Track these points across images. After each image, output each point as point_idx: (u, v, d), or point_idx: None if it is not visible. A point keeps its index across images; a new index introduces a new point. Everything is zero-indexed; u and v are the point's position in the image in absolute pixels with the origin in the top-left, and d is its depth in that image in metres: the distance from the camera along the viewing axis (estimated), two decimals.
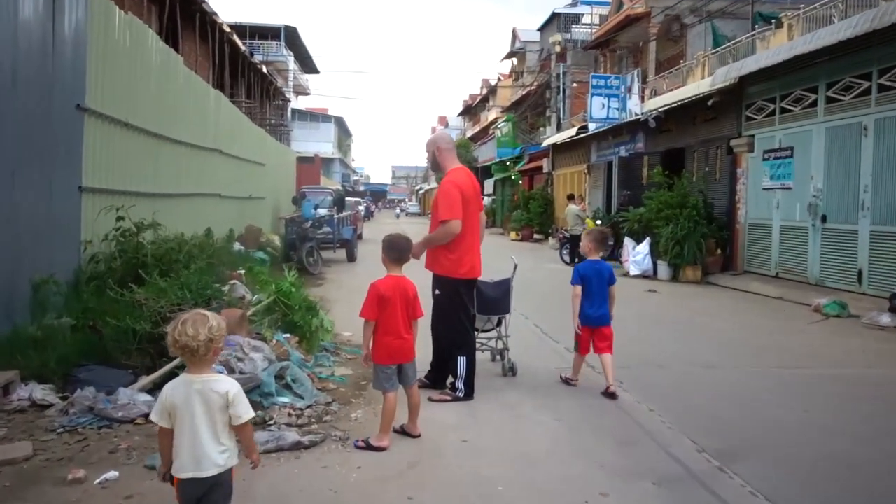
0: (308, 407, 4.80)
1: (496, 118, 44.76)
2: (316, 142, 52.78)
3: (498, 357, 6.40)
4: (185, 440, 2.59)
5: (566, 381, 5.80)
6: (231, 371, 4.71)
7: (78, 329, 5.85)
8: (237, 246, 13.43)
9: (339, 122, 63.75)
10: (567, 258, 17.16)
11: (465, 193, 5.16)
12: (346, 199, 22.85)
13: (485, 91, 57.53)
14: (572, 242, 16.97)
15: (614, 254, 16.91)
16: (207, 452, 2.59)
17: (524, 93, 37.40)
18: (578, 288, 5.65)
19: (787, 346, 7.63)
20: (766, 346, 7.62)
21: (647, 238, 14.68)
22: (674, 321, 9.28)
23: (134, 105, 8.37)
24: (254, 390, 4.78)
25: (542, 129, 33.87)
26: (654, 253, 14.50)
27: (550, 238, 25.18)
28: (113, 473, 3.68)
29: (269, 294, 5.98)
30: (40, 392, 5.02)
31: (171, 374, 4.88)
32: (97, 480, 3.61)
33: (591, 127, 21.22)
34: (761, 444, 4.40)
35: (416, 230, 29.67)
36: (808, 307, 10.15)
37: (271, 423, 4.49)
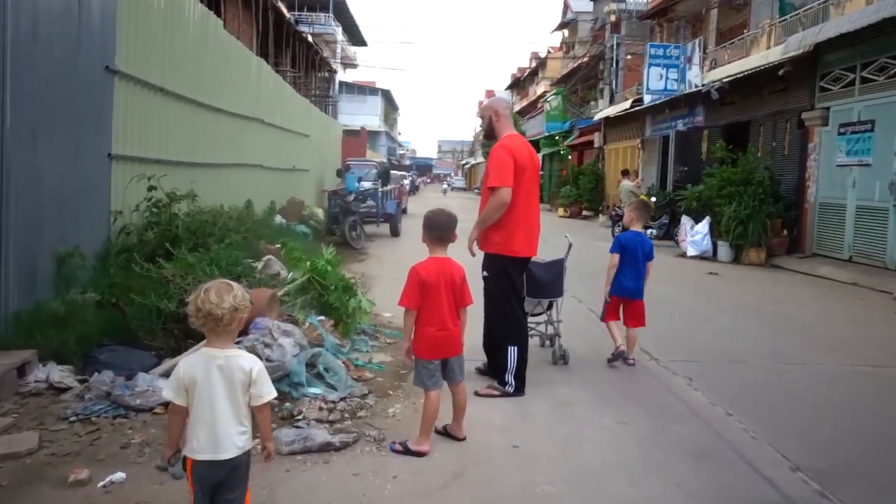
0: (341, 399, 4.34)
1: (545, 92, 43.62)
2: (363, 115, 52.52)
3: (548, 343, 5.99)
4: (204, 419, 2.40)
5: (615, 358, 5.46)
6: (258, 357, 4.25)
7: (103, 306, 5.52)
8: (278, 219, 13.09)
9: (386, 96, 63.30)
10: None
11: (520, 160, 4.62)
12: (391, 172, 22.42)
13: (534, 64, 56.23)
14: None
15: (670, 233, 16.09)
16: (228, 433, 2.41)
17: (575, 65, 36.21)
18: (616, 257, 5.68)
19: (875, 340, 6.85)
20: (851, 338, 6.86)
21: (707, 217, 13.83)
22: (741, 308, 8.54)
23: (169, 70, 7.96)
24: (282, 380, 4.34)
25: (592, 102, 32.76)
26: (714, 233, 13.65)
27: (601, 215, 24.33)
28: (120, 475, 3.27)
29: (304, 272, 5.50)
30: (58, 374, 4.68)
31: None
32: (101, 483, 3.20)
33: (647, 99, 20.19)
34: (866, 463, 3.75)
35: (461, 205, 29.15)
36: (889, 295, 9.28)
37: (300, 417, 4.04)
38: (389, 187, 17.94)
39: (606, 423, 4.20)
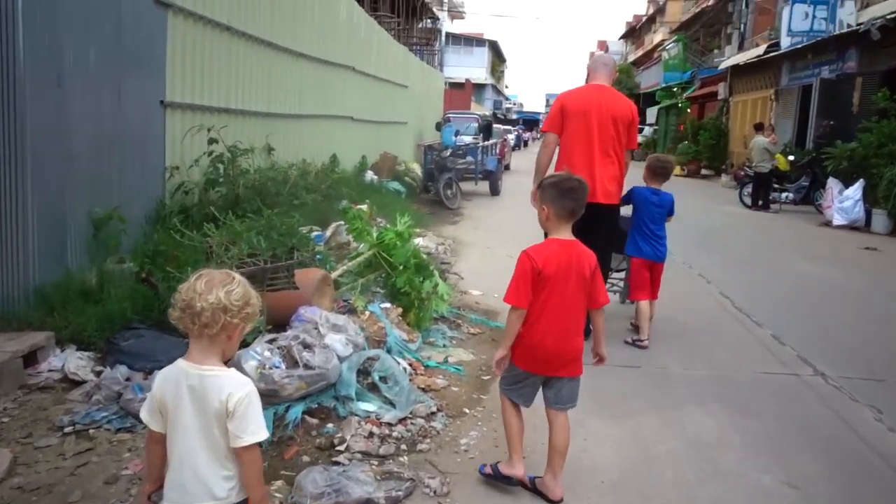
0: (400, 422, 3.31)
1: (663, 40, 40.50)
2: (469, 67, 51.17)
3: (628, 301, 5.25)
4: (174, 455, 1.84)
5: (635, 344, 4.67)
6: (294, 363, 3.29)
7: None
8: (369, 175, 12.21)
9: (494, 47, 61.32)
10: (748, 199, 14.48)
11: (570, 107, 4.66)
12: (494, 126, 21.12)
13: (651, 10, 52.49)
14: (756, 180, 14.26)
15: (810, 196, 14.02)
16: (200, 477, 1.81)
17: (698, 9, 33.12)
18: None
19: None
20: None
21: (860, 180, 11.76)
22: None
23: (238, 7, 7.06)
24: (326, 391, 3.36)
25: (717, 50, 29.87)
26: (868, 199, 11.61)
27: (723, 175, 22.07)
28: None
29: (370, 247, 4.48)
30: (75, 362, 3.91)
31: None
32: None
33: (786, 43, 17.73)
34: None
35: None
36: None
37: (342, 447, 3.04)
38: (491, 142, 16.73)
39: (767, 484, 2.95)
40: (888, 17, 13.21)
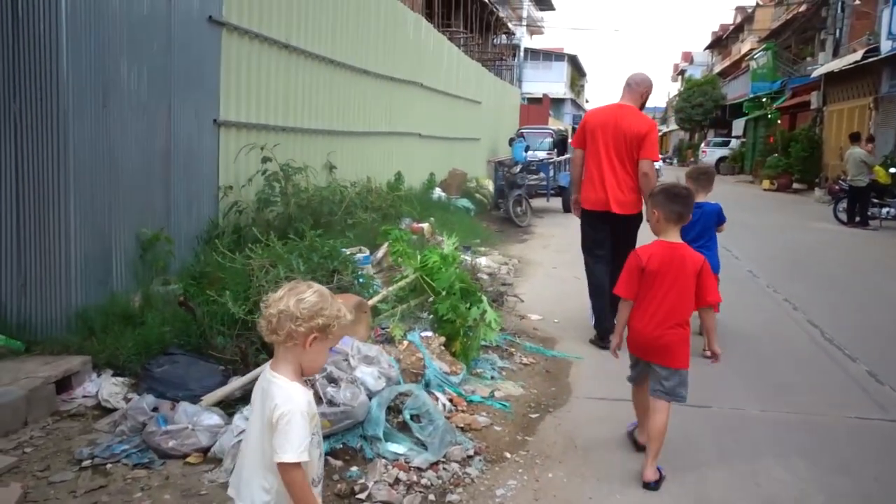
0: (430, 467, 3.00)
1: (751, 49, 38.85)
2: (547, 82, 50.60)
3: None
4: (242, 445, 2.00)
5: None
6: (318, 399, 3.04)
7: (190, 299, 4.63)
8: (437, 192, 12.01)
9: (573, 61, 60.54)
10: (843, 215, 13.44)
11: (589, 124, 5.16)
12: (570, 141, 20.61)
13: (739, 18, 50.57)
14: (853, 195, 13.22)
15: None
16: (249, 481, 1.87)
17: (789, 16, 31.55)
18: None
19: None
20: None
21: None
22: None
23: (298, 24, 7.00)
24: (352, 430, 3.09)
25: (809, 58, 28.30)
26: None
27: (816, 189, 20.73)
28: None
29: (414, 270, 4.21)
30: (109, 388, 3.83)
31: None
32: None
33: (886, 47, 16.52)
34: None
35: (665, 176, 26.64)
36: None
37: (362, 496, 2.76)
38: (564, 157, 16.26)
39: None
40: None
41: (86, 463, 3.08)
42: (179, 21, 5.09)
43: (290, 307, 1.80)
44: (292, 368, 1.85)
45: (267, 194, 5.98)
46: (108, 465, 3.07)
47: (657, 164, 21.68)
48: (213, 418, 3.35)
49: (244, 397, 3.48)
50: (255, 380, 3.68)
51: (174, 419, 3.33)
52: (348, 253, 4.89)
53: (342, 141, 8.40)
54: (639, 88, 5.16)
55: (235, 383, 3.68)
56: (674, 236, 3.13)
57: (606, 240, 5.08)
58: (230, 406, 3.56)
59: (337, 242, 4.78)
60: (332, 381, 3.13)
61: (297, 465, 1.76)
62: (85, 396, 3.80)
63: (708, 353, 4.29)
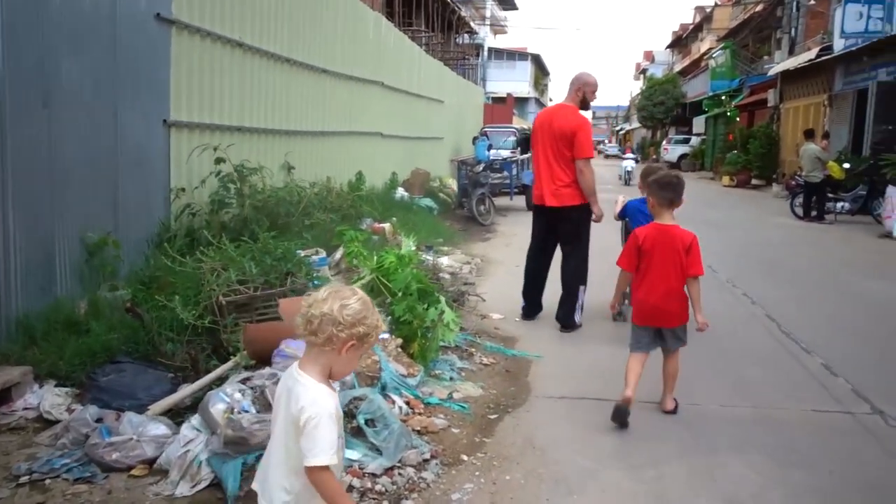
0: (385, 472, 2.93)
1: (710, 48, 39.49)
2: (512, 81, 50.72)
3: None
4: (268, 446, 1.96)
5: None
6: (268, 406, 2.95)
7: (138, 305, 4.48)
8: (399, 192, 11.91)
9: (537, 60, 60.87)
10: (800, 210, 13.69)
11: (534, 124, 5.63)
12: None
13: (698, 18, 51.37)
14: (808, 190, 13.48)
15: (868, 206, 13.17)
16: (271, 477, 1.88)
17: (747, 15, 32.11)
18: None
19: None
20: None
21: None
22: None
23: (252, 22, 6.86)
24: None
25: (766, 57, 28.83)
26: None
27: (774, 184, 21.13)
28: None
29: (370, 271, 4.12)
30: (51, 399, 3.66)
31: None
32: None
33: (839, 45, 16.90)
34: None
35: (613, 172, 26.77)
36: None
37: None
38: (527, 156, 16.30)
39: None
40: None
41: (23, 479, 2.93)
42: (125, 19, 4.93)
43: (333, 311, 1.80)
44: (321, 370, 1.85)
45: (221, 196, 5.84)
46: (48, 481, 2.92)
47: (629, 165, 21.64)
48: (160, 428, 3.23)
49: (195, 405, 3.37)
50: (206, 387, 3.60)
51: (119, 430, 3.20)
52: (304, 255, 4.78)
53: (301, 141, 8.27)
54: (573, 87, 5.42)
55: (185, 391, 3.56)
56: (667, 219, 3.62)
57: (544, 231, 5.55)
58: (180, 415, 3.44)
59: (293, 244, 4.67)
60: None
61: (327, 467, 1.77)
62: (26, 409, 3.63)
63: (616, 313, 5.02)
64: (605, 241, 6.31)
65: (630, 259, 3.65)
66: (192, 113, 5.84)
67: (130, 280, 4.76)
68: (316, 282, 4.26)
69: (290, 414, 1.82)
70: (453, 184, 15.05)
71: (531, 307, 5.67)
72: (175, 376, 3.81)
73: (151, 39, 5.28)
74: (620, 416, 3.48)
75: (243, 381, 3.08)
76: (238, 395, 2.95)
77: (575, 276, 5.38)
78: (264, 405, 2.96)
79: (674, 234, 3.57)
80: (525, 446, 3.30)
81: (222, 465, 2.84)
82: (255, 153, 6.80)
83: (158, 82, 5.40)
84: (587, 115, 5.61)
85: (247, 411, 2.89)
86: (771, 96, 24.64)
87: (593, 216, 5.37)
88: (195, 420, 3.11)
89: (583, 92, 5.38)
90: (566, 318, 5.33)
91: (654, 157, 36.53)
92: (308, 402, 1.79)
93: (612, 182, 22.51)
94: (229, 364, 3.59)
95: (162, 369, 3.86)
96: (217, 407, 2.91)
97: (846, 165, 14.02)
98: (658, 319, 3.61)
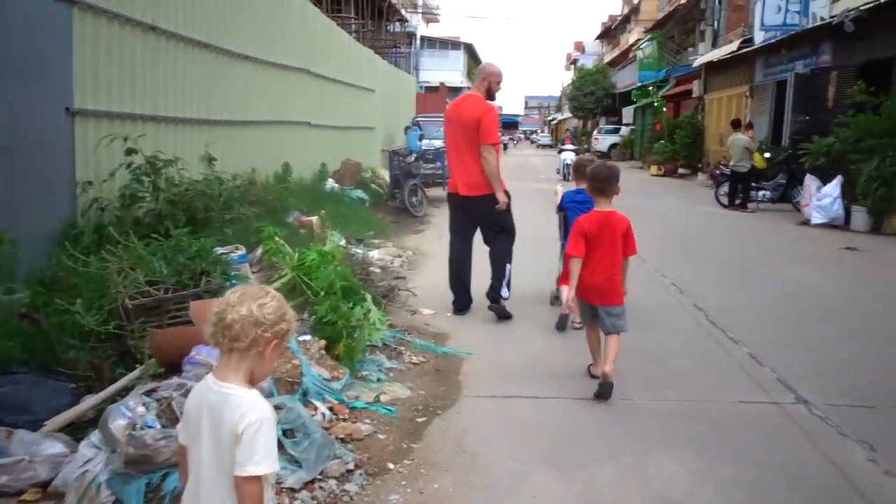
0: (305, 486, 2.75)
1: (638, 39, 40.28)
2: (445, 70, 50.54)
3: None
4: (192, 471, 1.77)
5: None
6: (174, 420, 2.72)
7: (36, 309, 4.13)
8: (329, 184, 11.62)
9: (469, 50, 60.83)
10: (725, 199, 14.06)
11: (446, 116, 5.66)
12: None
13: (626, 10, 52.37)
14: (734, 180, 13.85)
15: (788, 194, 13.62)
16: (207, 500, 1.72)
17: (672, 8, 32.86)
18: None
19: None
20: None
21: (839, 176, 11.36)
22: None
23: (166, 5, 6.47)
24: None
25: (691, 48, 29.59)
26: (847, 196, 11.22)
27: (699, 174, 21.72)
28: None
29: (291, 269, 3.90)
30: None
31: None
32: None
33: (759, 38, 17.41)
34: None
35: (547, 163, 26.90)
36: None
37: None
38: None
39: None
40: (862, 8, 12.86)
41: None
42: (18, 1, 4.53)
43: (253, 312, 1.71)
44: (243, 377, 1.74)
45: (134, 189, 5.47)
46: None
47: (569, 158, 21.63)
48: (56, 447, 2.95)
49: (98, 418, 3.10)
50: (110, 398, 3.33)
51: (9, 450, 2.91)
52: (223, 252, 4.51)
53: (222, 131, 7.91)
54: (479, 77, 5.52)
55: (87, 403, 3.28)
56: (605, 205, 3.95)
57: (462, 220, 5.56)
58: (82, 429, 3.16)
59: (210, 241, 4.39)
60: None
61: (259, 477, 1.66)
62: None
63: (577, 325, 4.91)
64: (538, 232, 6.25)
65: (579, 246, 3.87)
66: (100, 101, 5.45)
67: (29, 281, 4.39)
68: (234, 281, 4.01)
69: (223, 430, 1.68)
70: (386, 175, 14.82)
71: (461, 300, 5.61)
72: (77, 387, 3.50)
73: (49, 22, 4.88)
74: (604, 392, 3.75)
75: (148, 393, 2.83)
76: (141, 409, 2.70)
77: (504, 253, 5.45)
78: (171, 419, 2.73)
79: (615, 219, 3.92)
80: (455, 451, 3.17)
81: (124, 487, 2.61)
82: (172, 144, 6.44)
83: (60, 68, 5.01)
84: (495, 105, 5.57)
85: (151, 426, 2.65)
86: (696, 87, 25.26)
87: (498, 203, 5.29)
88: (95, 437, 2.85)
89: (488, 82, 5.43)
90: (494, 293, 5.36)
91: (587, 146, 37.01)
92: (247, 408, 1.68)
93: (545, 172, 22.67)
94: (136, 373, 3.32)
95: (63, 380, 3.55)
96: (117, 423, 2.66)
97: (767, 155, 14.46)
98: (595, 297, 3.94)
